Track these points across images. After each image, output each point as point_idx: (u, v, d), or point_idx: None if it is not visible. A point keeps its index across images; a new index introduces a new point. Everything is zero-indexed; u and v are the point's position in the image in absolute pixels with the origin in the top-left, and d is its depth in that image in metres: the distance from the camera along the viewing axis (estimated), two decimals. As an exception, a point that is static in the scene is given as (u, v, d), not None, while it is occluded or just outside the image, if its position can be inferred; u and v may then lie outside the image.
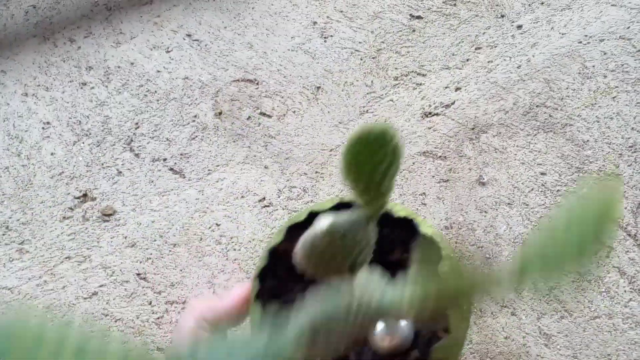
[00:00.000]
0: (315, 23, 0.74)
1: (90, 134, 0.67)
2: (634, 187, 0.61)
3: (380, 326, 0.27)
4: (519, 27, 0.73)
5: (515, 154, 0.63)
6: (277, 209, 0.61)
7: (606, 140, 0.64)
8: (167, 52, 0.72)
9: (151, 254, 0.59)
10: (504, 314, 0.55)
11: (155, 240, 0.60)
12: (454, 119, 0.66)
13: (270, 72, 0.70)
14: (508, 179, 0.62)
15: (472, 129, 0.65)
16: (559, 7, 0.74)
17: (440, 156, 0.64)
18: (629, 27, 0.71)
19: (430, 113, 0.67)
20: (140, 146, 0.65)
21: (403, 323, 0.27)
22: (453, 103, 0.67)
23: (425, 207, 0.61)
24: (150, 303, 0.57)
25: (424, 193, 0.62)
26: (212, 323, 0.31)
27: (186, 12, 0.75)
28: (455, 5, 0.74)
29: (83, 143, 0.66)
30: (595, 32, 0.71)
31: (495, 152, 0.63)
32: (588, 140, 0.64)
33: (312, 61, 0.71)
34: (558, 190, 0.61)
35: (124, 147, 0.65)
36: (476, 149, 0.64)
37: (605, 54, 0.69)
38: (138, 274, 0.58)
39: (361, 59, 0.71)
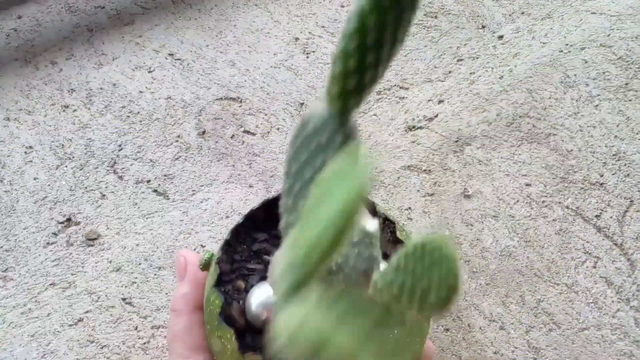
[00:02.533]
0: (297, 39, 0.74)
1: (73, 157, 0.66)
2: (619, 196, 0.61)
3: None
4: (500, 37, 0.73)
5: (500, 166, 0.63)
6: (262, 228, 0.60)
7: (590, 149, 0.64)
8: (150, 72, 0.72)
9: (136, 278, 0.59)
10: (493, 329, 0.55)
11: (140, 264, 0.59)
12: (437, 132, 0.66)
13: (253, 89, 0.70)
14: (493, 191, 0.62)
15: (456, 141, 0.65)
16: (539, 16, 0.74)
17: (425, 170, 0.64)
18: (609, 35, 0.71)
19: (413, 127, 0.67)
20: (123, 168, 0.65)
21: None
22: (436, 116, 0.67)
23: (412, 222, 0.61)
24: (136, 328, 0.56)
25: (409, 207, 0.62)
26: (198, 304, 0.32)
27: (168, 32, 0.75)
28: (436, 17, 0.75)
29: (66, 167, 0.65)
30: (576, 40, 0.71)
31: (480, 164, 0.63)
32: (572, 150, 0.64)
33: (295, 77, 0.71)
34: (543, 201, 0.61)
35: (108, 170, 0.65)
36: (460, 161, 0.64)
37: (586, 62, 0.70)
38: (123, 299, 0.58)
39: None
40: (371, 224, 0.23)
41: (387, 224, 0.32)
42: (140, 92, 0.70)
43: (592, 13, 0.74)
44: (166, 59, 0.73)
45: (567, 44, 0.71)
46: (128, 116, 0.69)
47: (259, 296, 0.29)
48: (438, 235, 0.16)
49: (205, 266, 0.33)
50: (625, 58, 0.69)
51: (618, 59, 0.70)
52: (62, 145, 0.67)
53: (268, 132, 0.67)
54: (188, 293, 0.33)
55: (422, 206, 0.62)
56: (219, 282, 0.31)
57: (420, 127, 0.67)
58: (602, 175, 0.62)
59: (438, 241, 0.16)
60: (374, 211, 0.33)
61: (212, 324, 0.30)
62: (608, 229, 0.59)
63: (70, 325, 0.57)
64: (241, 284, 0.31)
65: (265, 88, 0.70)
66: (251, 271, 0.31)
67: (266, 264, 0.31)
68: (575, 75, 0.69)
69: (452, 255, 0.16)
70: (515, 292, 0.56)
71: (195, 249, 0.60)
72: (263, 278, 0.31)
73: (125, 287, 0.58)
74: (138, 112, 0.69)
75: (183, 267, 0.34)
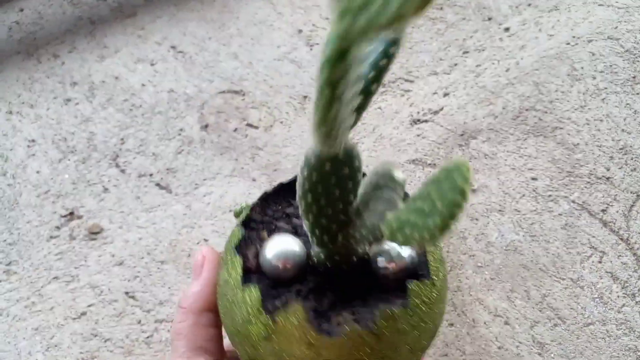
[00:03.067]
0: (300, 31, 0.73)
1: (75, 150, 0.66)
2: (626, 190, 0.60)
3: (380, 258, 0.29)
4: (507, 29, 0.72)
5: (506, 160, 0.63)
6: (265, 223, 0.60)
7: (597, 143, 0.63)
8: (152, 65, 0.71)
9: (139, 272, 0.58)
10: (497, 323, 0.55)
11: (142, 258, 0.59)
12: (442, 126, 0.66)
13: (256, 82, 0.70)
14: (499, 185, 0.61)
15: (462, 135, 0.65)
16: (546, 8, 0.73)
17: (430, 164, 0.63)
18: (616, 27, 0.70)
19: (418, 120, 0.66)
20: (126, 162, 0.65)
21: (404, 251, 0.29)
22: (441, 109, 0.67)
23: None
24: (139, 322, 0.56)
25: (414, 201, 0.61)
26: (204, 307, 0.32)
27: (170, 24, 0.75)
28: (441, 9, 0.74)
29: (69, 160, 0.65)
30: (583, 33, 0.71)
31: (485, 158, 0.63)
32: (578, 144, 0.63)
33: (299, 70, 0.70)
34: (549, 196, 0.60)
35: (110, 163, 0.65)
36: (466, 155, 0.63)
37: (593, 54, 0.69)
38: (126, 293, 0.57)
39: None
40: (399, 174, 0.25)
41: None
42: (143, 85, 0.70)
43: (599, 5, 0.73)
44: (168, 51, 0.72)
45: (574, 37, 0.70)
46: (130, 109, 0.68)
47: (278, 245, 0.29)
48: (456, 161, 0.17)
49: (237, 214, 0.33)
50: (633, 51, 0.69)
51: (625, 51, 0.69)
52: (65, 138, 0.67)
53: (271, 126, 0.67)
54: (200, 292, 0.32)
55: (427, 200, 0.61)
56: (247, 225, 0.31)
57: (426, 121, 0.66)
58: (608, 169, 0.62)
59: (454, 163, 0.17)
60: None
61: (226, 255, 0.30)
62: (614, 224, 0.58)
63: (73, 318, 0.57)
64: (265, 235, 0.31)
65: (268, 81, 0.70)
66: (278, 229, 0.31)
67: (294, 227, 0.31)
68: (582, 68, 0.68)
69: (462, 172, 0.16)
70: (520, 287, 0.56)
71: (198, 243, 0.59)
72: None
73: (128, 281, 0.58)
74: (140, 106, 0.68)
75: (200, 264, 0.33)
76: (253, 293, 0.27)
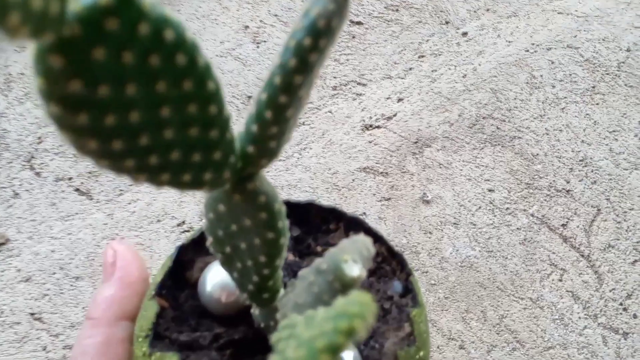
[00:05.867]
0: (247, 27, 0.68)
1: (-17, 150, 0.58)
2: (586, 204, 0.57)
3: None
4: (464, 34, 0.68)
5: (461, 170, 0.58)
6: (198, 234, 0.54)
7: (556, 154, 0.60)
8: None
9: (49, 289, 0.51)
10: (451, 348, 0.50)
11: (54, 274, 0.52)
12: (396, 132, 0.61)
13: (195, 80, 0.63)
14: (454, 197, 0.57)
15: (415, 142, 0.60)
16: (505, 14, 0.70)
17: (381, 172, 0.58)
18: (575, 36, 0.68)
19: (371, 125, 0.62)
20: (42, 164, 0.57)
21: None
22: (395, 115, 0.62)
23: (362, 219, 0.55)
24: (44, 349, 0.48)
25: (364, 213, 0.56)
26: (123, 314, 0.25)
27: (103, 14, 0.68)
28: (397, 10, 0.70)
29: (-26, 160, 0.57)
30: (542, 40, 0.68)
31: (440, 167, 0.58)
32: (537, 154, 0.60)
33: (243, 68, 0.65)
34: (507, 209, 0.56)
35: (23, 165, 0.57)
36: (419, 164, 0.59)
37: (553, 63, 0.66)
38: (32, 314, 0.50)
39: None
40: (353, 271, 0.18)
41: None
42: (67, 79, 0.63)
43: (559, 13, 0.71)
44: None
45: (533, 44, 0.68)
46: (51, 105, 0.61)
47: (217, 275, 0.24)
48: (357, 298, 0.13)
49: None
50: (592, 60, 0.66)
51: (585, 60, 0.66)
52: (-28, 136, 0.59)
53: (210, 128, 0.61)
54: (113, 296, 0.25)
55: (378, 211, 0.56)
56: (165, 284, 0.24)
57: (378, 127, 0.62)
58: (568, 182, 0.58)
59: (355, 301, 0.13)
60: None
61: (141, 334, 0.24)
62: (575, 239, 0.55)
63: (-34, 344, 0.48)
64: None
65: (209, 79, 0.64)
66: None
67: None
68: (541, 76, 0.65)
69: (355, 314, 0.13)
70: (476, 307, 0.51)
71: (119, 257, 0.52)
72: None
73: (35, 300, 0.50)
74: (63, 101, 0.61)
75: (111, 262, 0.26)
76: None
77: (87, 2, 0.10)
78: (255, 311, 0.23)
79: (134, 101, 0.12)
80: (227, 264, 0.20)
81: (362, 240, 0.19)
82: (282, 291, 0.21)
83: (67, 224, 0.54)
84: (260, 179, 0.17)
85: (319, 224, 0.27)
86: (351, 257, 0.18)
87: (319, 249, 0.27)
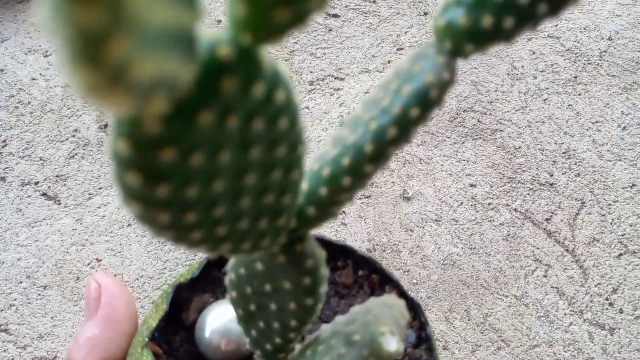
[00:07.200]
0: (220, 22, 0.65)
1: (-56, 155, 0.55)
2: (570, 197, 0.56)
3: None
4: (444, 25, 0.67)
5: (442, 165, 0.57)
6: (172, 238, 0.52)
7: (539, 147, 0.59)
8: (45, 56, 0.62)
9: (15, 299, 0.49)
10: (435, 349, 0.48)
11: (21, 282, 0.49)
12: (375, 127, 0.59)
13: (167, 78, 0.61)
14: (435, 193, 0.55)
15: (395, 137, 0.59)
16: (484, 4, 0.69)
17: (361, 169, 0.57)
18: (556, 25, 0.67)
19: (349, 121, 0.60)
20: (7, 168, 0.55)
21: None
22: (374, 109, 0.61)
23: (346, 228, 0.54)
24: (10, 361, 0.46)
25: (343, 211, 0.55)
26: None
27: (70, 11, 0.65)
28: (374, 2, 0.68)
29: None
30: (523, 30, 0.66)
31: (420, 163, 0.57)
32: (520, 147, 0.59)
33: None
34: (490, 204, 0.55)
35: (-13, 170, 0.55)
36: (399, 160, 0.57)
37: (534, 53, 0.65)
38: (-3, 326, 0.48)
39: (272, 62, 0.63)
40: (392, 346, 0.16)
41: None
42: (33, 79, 0.60)
43: (539, 2, 0.69)
44: (66, 42, 0.63)
45: (513, 34, 0.66)
46: (16, 107, 0.58)
47: (217, 319, 0.22)
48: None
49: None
50: (574, 50, 0.65)
51: (566, 50, 0.65)
52: None
53: (183, 127, 0.59)
54: (97, 337, 0.23)
55: (358, 210, 0.55)
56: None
57: (357, 122, 0.60)
58: (552, 175, 0.57)
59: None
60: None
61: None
62: (559, 234, 0.54)
63: None
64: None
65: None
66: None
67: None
68: (522, 67, 0.64)
69: None
70: (459, 306, 0.50)
71: (89, 264, 0.50)
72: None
73: (1, 310, 0.48)
74: (29, 102, 0.59)
75: (95, 297, 0.23)
76: None
77: (204, 54, 0.08)
78: None
79: (222, 169, 0.10)
80: (247, 322, 0.18)
81: (396, 305, 0.17)
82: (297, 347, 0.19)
83: (34, 230, 0.52)
84: (309, 240, 0.15)
85: (326, 260, 0.26)
86: (389, 329, 0.16)
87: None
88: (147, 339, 0.21)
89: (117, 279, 0.25)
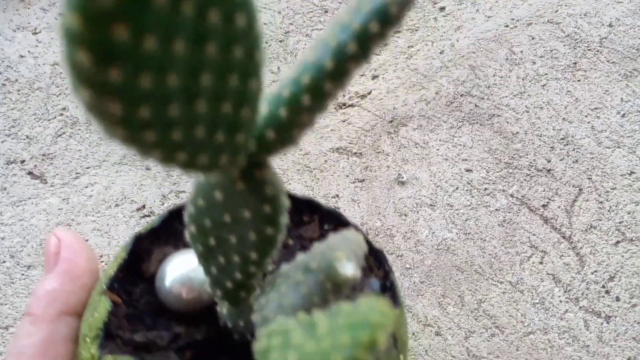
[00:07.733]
0: None
1: None
2: (567, 184, 0.55)
3: None
4: (442, 9, 0.66)
5: (438, 149, 0.56)
6: (160, 219, 0.51)
7: (537, 132, 0.58)
8: (34, 33, 0.60)
9: (-2, 279, 0.48)
10: (427, 334, 0.47)
11: (4, 262, 0.48)
12: (370, 111, 0.58)
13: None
14: (430, 177, 0.54)
15: (391, 121, 0.57)
16: (484, -12, 0.68)
17: (355, 152, 0.56)
18: (557, 11, 0.66)
19: (344, 104, 0.59)
20: (-8, 146, 0.54)
21: None
22: (369, 93, 0.59)
23: (339, 211, 0.53)
24: (-8, 342, 0.45)
25: (337, 195, 0.54)
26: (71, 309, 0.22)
27: (60, -12, 0.64)
28: (372, -16, 0.67)
29: None
30: (522, 15, 0.65)
31: (416, 147, 0.56)
32: (517, 132, 0.57)
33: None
34: (486, 189, 0.54)
35: (-28, 148, 0.53)
36: (395, 144, 0.56)
37: (533, 38, 0.64)
38: (-21, 306, 0.46)
39: (266, 43, 0.62)
40: (347, 270, 0.16)
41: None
42: (21, 56, 0.59)
43: (539, -13, 0.68)
44: (56, 19, 0.62)
45: (512, 19, 0.65)
46: (3, 84, 0.57)
47: (177, 268, 0.21)
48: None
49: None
50: (574, 36, 0.64)
51: (566, 36, 0.64)
52: None
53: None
54: (56, 290, 0.22)
55: (351, 193, 0.54)
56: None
57: (352, 105, 0.59)
58: (549, 161, 0.56)
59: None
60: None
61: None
62: (556, 220, 0.53)
63: None
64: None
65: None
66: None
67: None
68: (521, 52, 0.63)
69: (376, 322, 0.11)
70: (453, 292, 0.49)
71: (75, 244, 0.49)
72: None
73: (-17, 290, 0.47)
74: (16, 80, 0.57)
75: (55, 252, 0.23)
76: None
77: None
78: (222, 309, 0.21)
79: (177, 62, 0.10)
80: (206, 258, 0.17)
81: (353, 237, 0.17)
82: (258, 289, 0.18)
83: (19, 209, 0.50)
84: (269, 167, 0.15)
85: (292, 215, 0.25)
86: (345, 255, 0.17)
87: (290, 242, 0.24)
88: (104, 287, 0.21)
89: (77, 235, 0.24)
